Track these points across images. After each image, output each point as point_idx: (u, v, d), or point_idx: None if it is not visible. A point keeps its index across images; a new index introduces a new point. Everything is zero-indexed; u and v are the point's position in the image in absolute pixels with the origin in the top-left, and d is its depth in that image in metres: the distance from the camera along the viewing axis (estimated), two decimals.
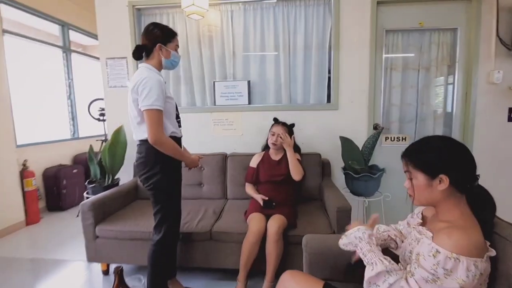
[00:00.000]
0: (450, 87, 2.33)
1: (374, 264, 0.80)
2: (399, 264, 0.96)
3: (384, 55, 2.31)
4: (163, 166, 1.40)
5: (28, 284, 1.92)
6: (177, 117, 1.52)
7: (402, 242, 1.07)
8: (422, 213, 0.99)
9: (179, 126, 1.54)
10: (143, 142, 1.39)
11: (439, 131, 2.39)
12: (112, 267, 2.02)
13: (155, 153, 1.36)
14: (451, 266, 0.69)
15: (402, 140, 2.37)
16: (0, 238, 2.59)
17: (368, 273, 0.81)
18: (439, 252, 0.72)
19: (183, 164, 1.53)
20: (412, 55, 2.34)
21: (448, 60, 2.30)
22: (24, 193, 2.88)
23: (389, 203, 2.22)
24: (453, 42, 2.27)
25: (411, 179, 0.87)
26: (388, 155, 2.35)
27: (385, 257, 0.82)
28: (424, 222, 0.95)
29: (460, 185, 0.79)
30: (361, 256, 0.86)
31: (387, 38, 2.31)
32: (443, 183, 0.78)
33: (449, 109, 2.37)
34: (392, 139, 2.38)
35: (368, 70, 2.28)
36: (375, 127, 2.35)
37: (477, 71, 2.19)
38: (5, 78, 2.77)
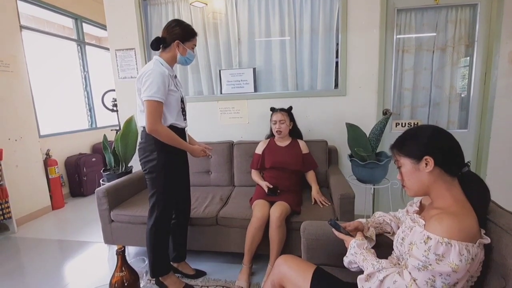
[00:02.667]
0: (467, 68, 2.19)
1: (366, 268, 0.85)
2: (391, 254, 0.97)
3: (395, 36, 2.19)
4: (161, 153, 1.47)
5: (56, 262, 2.10)
6: (183, 110, 1.57)
7: (398, 228, 1.07)
8: (421, 202, 0.98)
9: (184, 118, 1.58)
10: (145, 129, 1.46)
11: (454, 115, 2.27)
12: (128, 249, 2.16)
13: (153, 140, 1.44)
14: (443, 251, 0.69)
15: (414, 126, 2.28)
16: (29, 221, 2.84)
17: (360, 276, 0.85)
18: (430, 238, 0.72)
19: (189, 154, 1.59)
20: (427, 34, 2.20)
21: (466, 39, 2.14)
22: (48, 180, 3.10)
23: (397, 190, 2.18)
24: (472, 19, 2.11)
25: (400, 168, 0.89)
26: None
27: (378, 260, 0.85)
28: (420, 210, 0.94)
29: (446, 166, 0.80)
30: (361, 267, 0.89)
31: (398, 18, 2.18)
32: (428, 164, 0.80)
33: (466, 92, 2.24)
34: (403, 125, 2.30)
35: (377, 53, 2.18)
36: (385, 112, 2.28)
37: (499, 51, 2.03)
38: (26, 72, 2.92)
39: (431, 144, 0.81)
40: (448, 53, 2.19)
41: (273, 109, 2.04)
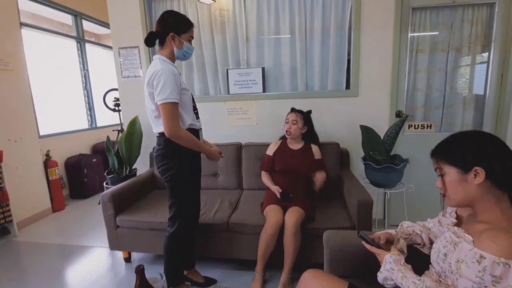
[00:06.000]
0: (483, 69, 2.13)
1: (406, 287, 0.78)
2: (429, 268, 0.91)
3: (409, 36, 2.13)
4: (181, 158, 1.40)
5: (58, 268, 2.03)
6: (194, 108, 1.49)
7: (430, 239, 1.02)
8: (456, 212, 0.92)
9: (197, 117, 1.51)
10: (162, 135, 1.39)
11: (469, 117, 2.22)
12: (133, 255, 2.09)
13: (173, 145, 1.36)
14: (500, 272, 0.63)
15: (427, 128, 2.23)
16: (30, 224, 2.75)
17: None
18: (484, 258, 0.66)
19: (203, 156, 1.52)
20: (442, 34, 2.13)
21: (482, 39, 2.08)
22: (49, 182, 3.01)
23: (411, 194, 2.12)
24: (489, 18, 2.05)
25: (442, 176, 0.81)
26: (411, 144, 2.22)
27: (420, 278, 0.78)
28: (459, 222, 0.88)
29: (499, 179, 0.73)
30: (399, 285, 0.83)
31: (413, 17, 2.11)
32: (478, 176, 0.73)
33: (481, 93, 2.18)
34: (416, 126, 2.24)
35: (391, 53, 2.11)
36: (398, 114, 2.22)
37: None
38: (25, 71, 2.83)
39: (483, 153, 0.74)
40: (463, 54, 2.13)
41: (292, 109, 1.96)
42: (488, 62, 2.10)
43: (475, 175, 0.74)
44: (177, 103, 1.31)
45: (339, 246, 1.12)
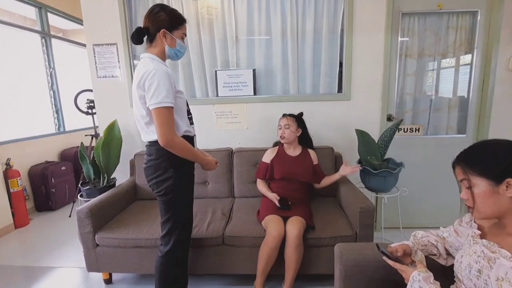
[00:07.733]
0: (467, 74, 2.21)
1: None
2: (455, 283, 0.87)
3: (399, 41, 2.16)
4: (176, 169, 1.25)
5: None
6: (188, 113, 1.35)
7: (445, 249, 0.99)
8: (474, 222, 0.89)
9: (191, 123, 1.37)
10: (153, 143, 1.24)
11: (453, 121, 2.30)
12: (115, 276, 1.88)
13: (167, 155, 1.22)
14: None
15: (415, 131, 2.27)
16: None
17: None
18: None
19: (196, 165, 1.38)
20: (429, 39, 2.18)
21: (466, 45, 2.17)
22: (10, 195, 2.65)
23: (405, 198, 2.15)
24: (472, 26, 2.13)
25: (469, 187, 0.77)
26: (401, 148, 2.25)
27: None
28: (482, 233, 0.85)
29: None
30: None
31: (402, 22, 2.14)
32: (511, 188, 0.70)
33: (465, 98, 2.26)
34: (405, 130, 2.28)
35: (382, 57, 2.12)
36: (389, 118, 2.24)
37: (497, 57, 2.07)
38: None
39: None
40: (448, 59, 2.20)
41: (283, 115, 1.89)
42: (470, 67, 2.19)
43: (507, 186, 0.71)
44: (172, 107, 1.16)
45: (354, 261, 1.05)
